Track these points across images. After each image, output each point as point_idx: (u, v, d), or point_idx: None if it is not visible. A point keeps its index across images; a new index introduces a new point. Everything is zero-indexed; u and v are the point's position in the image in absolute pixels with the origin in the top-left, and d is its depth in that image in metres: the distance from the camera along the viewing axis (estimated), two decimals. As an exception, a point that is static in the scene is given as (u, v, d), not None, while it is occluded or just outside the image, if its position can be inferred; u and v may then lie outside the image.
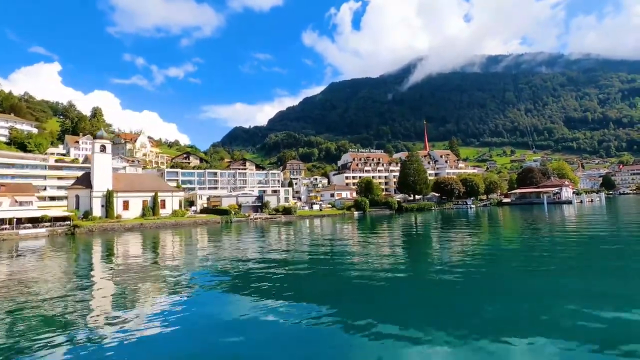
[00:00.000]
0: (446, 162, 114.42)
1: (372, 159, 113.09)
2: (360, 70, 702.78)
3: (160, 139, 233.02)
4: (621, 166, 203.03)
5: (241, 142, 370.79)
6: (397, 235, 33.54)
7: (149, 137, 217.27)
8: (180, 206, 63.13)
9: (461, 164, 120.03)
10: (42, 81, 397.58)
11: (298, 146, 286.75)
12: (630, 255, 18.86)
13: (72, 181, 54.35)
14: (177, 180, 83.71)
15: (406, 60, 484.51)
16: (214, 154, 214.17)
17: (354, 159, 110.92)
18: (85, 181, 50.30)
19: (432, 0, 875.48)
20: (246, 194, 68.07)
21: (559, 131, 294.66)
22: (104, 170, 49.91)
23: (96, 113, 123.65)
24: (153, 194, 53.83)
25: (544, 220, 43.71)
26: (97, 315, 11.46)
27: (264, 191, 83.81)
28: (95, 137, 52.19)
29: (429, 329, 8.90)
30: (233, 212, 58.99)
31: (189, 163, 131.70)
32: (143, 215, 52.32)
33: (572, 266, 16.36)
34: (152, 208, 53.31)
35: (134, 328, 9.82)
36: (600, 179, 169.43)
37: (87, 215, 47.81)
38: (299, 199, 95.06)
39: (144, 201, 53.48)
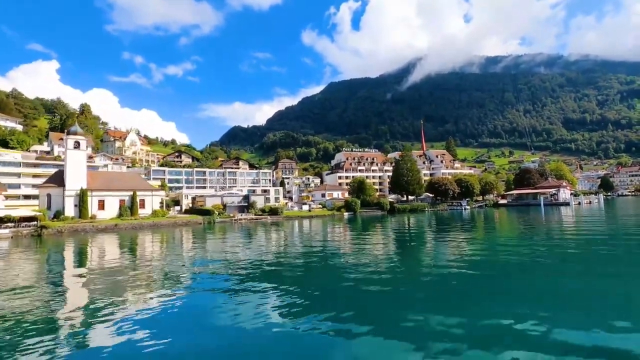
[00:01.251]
0: (442, 162, 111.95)
1: (366, 159, 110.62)
2: (359, 69, 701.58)
3: (157, 137, 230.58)
4: (620, 167, 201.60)
5: (240, 142, 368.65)
6: (387, 239, 31.15)
7: (145, 136, 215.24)
8: (162, 206, 60.65)
9: (457, 164, 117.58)
10: (41, 79, 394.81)
11: (296, 146, 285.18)
12: (630, 261, 17.14)
13: (48, 179, 51.70)
14: (164, 179, 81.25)
15: (405, 60, 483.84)
16: (210, 153, 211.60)
17: (347, 159, 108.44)
18: (58, 179, 47.74)
19: (431, 1, 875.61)
20: (232, 193, 65.63)
21: (558, 132, 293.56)
22: (78, 167, 47.34)
23: (84, 110, 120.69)
24: (131, 193, 51.29)
25: (540, 223, 41.50)
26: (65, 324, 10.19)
27: (253, 191, 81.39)
28: (68, 133, 49.54)
29: (426, 332, 8.66)
30: (217, 213, 56.58)
31: (180, 162, 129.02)
32: (120, 215, 49.80)
33: (568, 273, 14.39)
34: (130, 208, 50.78)
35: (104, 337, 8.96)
36: (599, 180, 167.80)
37: (58, 215, 45.26)
38: (290, 198, 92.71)
39: (121, 201, 50.91)
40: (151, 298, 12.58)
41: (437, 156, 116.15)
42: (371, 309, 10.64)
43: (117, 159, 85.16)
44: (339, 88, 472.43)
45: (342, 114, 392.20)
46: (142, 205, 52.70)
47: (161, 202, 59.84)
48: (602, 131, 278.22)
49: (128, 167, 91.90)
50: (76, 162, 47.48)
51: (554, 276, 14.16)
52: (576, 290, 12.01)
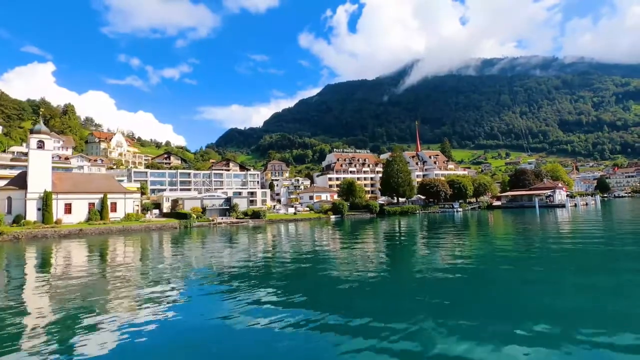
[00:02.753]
0: (435, 163, 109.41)
1: (358, 160, 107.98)
2: (356, 71, 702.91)
3: (151, 139, 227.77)
4: (616, 169, 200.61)
5: (236, 144, 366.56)
6: (370, 247, 28.35)
7: (138, 138, 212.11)
8: (139, 209, 57.72)
9: (451, 165, 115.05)
10: (36, 81, 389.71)
11: (292, 148, 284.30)
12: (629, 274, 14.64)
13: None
14: (146, 181, 78.18)
15: (402, 62, 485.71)
16: (203, 155, 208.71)
17: (338, 160, 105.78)
18: (20, 181, 44.67)
19: (428, 3, 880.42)
20: (213, 196, 62.70)
21: (554, 134, 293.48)
22: (42, 169, 44.27)
23: (68, 110, 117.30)
24: (102, 195, 48.27)
25: (534, 227, 38.96)
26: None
27: (239, 193, 78.57)
28: (32, 132, 46.53)
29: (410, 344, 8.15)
30: (195, 216, 53.64)
31: (169, 163, 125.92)
32: (89, 219, 46.76)
33: (562, 287, 12.25)
34: (99, 212, 47.75)
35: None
36: (595, 181, 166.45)
37: (18, 220, 42.13)
38: (279, 201, 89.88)
39: (90, 204, 47.82)
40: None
41: (430, 157, 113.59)
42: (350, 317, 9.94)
43: (95, 160, 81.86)
44: (336, 90, 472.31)
45: (339, 116, 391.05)
46: (114, 209, 49.66)
47: (138, 205, 56.90)
48: (598, 133, 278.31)
49: (111, 168, 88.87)
50: (40, 163, 44.41)
51: (546, 289, 12.70)
52: (571, 307, 10.66)
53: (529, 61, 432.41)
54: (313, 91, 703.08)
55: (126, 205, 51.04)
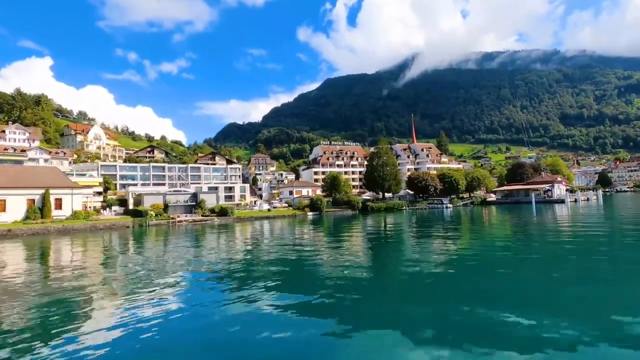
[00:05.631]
0: (428, 156, 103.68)
1: (345, 153, 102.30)
2: (355, 66, 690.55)
3: (146, 134, 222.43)
4: (617, 163, 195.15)
5: (235, 139, 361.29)
6: (340, 255, 23.07)
7: (132, 132, 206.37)
8: (101, 206, 52.62)
9: (444, 158, 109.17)
10: (34, 76, 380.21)
11: (290, 142, 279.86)
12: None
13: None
14: (115, 174, 72.93)
15: (402, 56, 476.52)
16: (197, 149, 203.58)
17: (324, 153, 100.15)
18: (-56, 174, 39.59)
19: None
20: (179, 191, 57.38)
21: (555, 128, 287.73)
22: (-32, 160, 39.19)
23: (40, 101, 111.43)
24: (43, 191, 42.99)
25: (530, 227, 33.76)
26: None
27: (216, 188, 73.26)
28: (-44, 118, 41.39)
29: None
30: (153, 214, 48.47)
31: (152, 157, 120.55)
32: (27, 218, 41.56)
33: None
34: (41, 209, 42.55)
35: None
36: (596, 175, 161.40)
37: (-62, 218, 37.03)
38: (260, 196, 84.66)
39: (29, 200, 42.58)
40: None
41: (423, 150, 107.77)
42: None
43: (57, 153, 76.27)
44: (335, 84, 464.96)
45: (338, 110, 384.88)
46: (59, 206, 44.40)
47: (91, 201, 51.70)
48: (600, 126, 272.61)
49: (85, 162, 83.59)
50: (-34, 154, 39.21)
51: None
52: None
53: (529, 55, 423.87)
54: (312, 86, 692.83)
55: (74, 202, 45.73)
